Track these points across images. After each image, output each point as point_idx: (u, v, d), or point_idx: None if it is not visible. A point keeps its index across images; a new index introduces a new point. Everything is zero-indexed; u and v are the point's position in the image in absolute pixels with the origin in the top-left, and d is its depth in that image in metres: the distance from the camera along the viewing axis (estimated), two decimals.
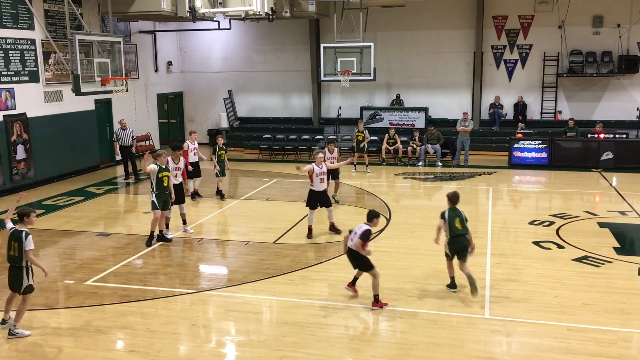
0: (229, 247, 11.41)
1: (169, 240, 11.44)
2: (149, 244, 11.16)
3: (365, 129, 18.67)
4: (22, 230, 7.41)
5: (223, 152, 15.03)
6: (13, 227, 7.49)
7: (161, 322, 7.89)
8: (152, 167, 10.95)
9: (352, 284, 8.67)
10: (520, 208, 14.48)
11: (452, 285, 8.87)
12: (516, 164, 19.13)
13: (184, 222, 12.07)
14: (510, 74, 22.09)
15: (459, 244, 8.62)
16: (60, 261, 10.55)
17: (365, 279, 8.51)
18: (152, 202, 11.06)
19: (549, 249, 10.77)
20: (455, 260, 8.73)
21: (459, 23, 22.00)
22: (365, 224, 8.24)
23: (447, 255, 8.88)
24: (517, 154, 19.23)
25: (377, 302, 8.23)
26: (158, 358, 6.99)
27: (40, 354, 7.10)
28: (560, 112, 21.65)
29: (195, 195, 14.81)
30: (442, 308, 8.20)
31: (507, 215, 13.33)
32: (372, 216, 8.34)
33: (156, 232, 11.28)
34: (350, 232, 8.36)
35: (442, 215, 8.86)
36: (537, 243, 11.06)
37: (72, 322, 7.98)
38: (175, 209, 11.84)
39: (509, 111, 22.01)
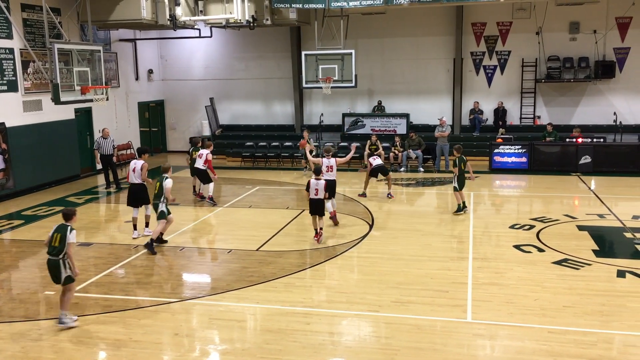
0: (211, 255, 11.37)
1: (165, 241, 11.75)
2: (153, 250, 11.20)
3: (310, 139, 18.70)
4: (68, 226, 7.97)
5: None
6: (60, 224, 8.01)
7: (144, 332, 7.84)
8: (170, 182, 11.30)
9: (317, 234, 11.57)
10: (501, 212, 14.62)
11: (461, 208, 13.54)
12: (497, 169, 19.34)
13: (147, 224, 12.35)
14: (489, 79, 22.35)
15: (463, 180, 13.58)
16: (41, 272, 10.40)
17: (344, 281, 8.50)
18: (162, 211, 11.22)
19: (529, 252, 10.89)
20: None
21: (438, 30, 22.22)
22: (316, 179, 11.43)
23: (455, 188, 13.56)
24: (497, 158, 19.45)
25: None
26: None
27: None
28: (539, 117, 21.94)
29: (211, 199, 15.22)
30: (425, 313, 8.25)
31: (489, 220, 13.45)
32: (319, 172, 11.73)
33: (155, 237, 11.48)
34: (307, 190, 11.44)
35: (455, 163, 13.49)
36: (518, 247, 11.18)
37: (53, 333, 7.88)
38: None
39: (489, 116, 22.24)
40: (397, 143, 20.22)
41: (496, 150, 19.45)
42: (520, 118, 22.18)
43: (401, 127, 22.18)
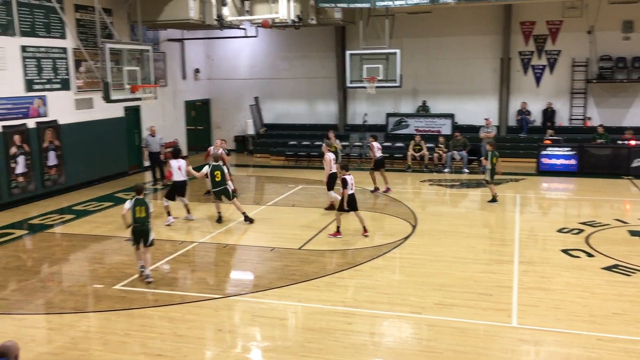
0: (254, 252, 11.47)
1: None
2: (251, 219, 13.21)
3: (337, 140, 17.38)
4: (144, 198, 9.61)
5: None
6: (134, 198, 9.56)
7: (188, 326, 7.98)
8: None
9: (365, 230, 11.99)
10: (548, 215, 14.28)
11: (496, 199, 14.72)
12: (544, 171, 18.89)
13: (189, 211, 13.64)
14: (538, 79, 21.84)
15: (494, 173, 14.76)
16: (90, 265, 10.74)
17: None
18: (233, 191, 13.35)
19: (578, 257, 10.60)
20: None
21: (485, 29, 21.85)
22: (348, 174, 11.82)
23: (486, 181, 15.01)
24: (545, 160, 19.00)
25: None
26: None
27: (71, 357, 7.22)
28: (589, 118, 21.31)
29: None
30: (468, 316, 8.13)
31: (535, 223, 13.16)
32: (347, 168, 12.17)
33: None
34: (345, 187, 11.68)
35: (487, 156, 14.81)
36: (565, 251, 10.90)
37: (101, 325, 8.12)
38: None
39: (537, 117, 21.75)
40: (441, 144, 19.99)
41: (544, 152, 19.01)
42: (570, 119, 21.61)
43: (446, 128, 21.93)
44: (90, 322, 8.25)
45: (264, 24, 18.12)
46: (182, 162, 13.33)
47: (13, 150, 15.10)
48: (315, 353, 7.17)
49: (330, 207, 13.90)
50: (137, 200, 9.54)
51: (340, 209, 11.98)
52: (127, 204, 9.56)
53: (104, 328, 8.00)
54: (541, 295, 8.82)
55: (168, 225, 13.10)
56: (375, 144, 16.11)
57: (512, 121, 22.09)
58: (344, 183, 11.79)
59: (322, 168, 14.07)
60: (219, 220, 13.25)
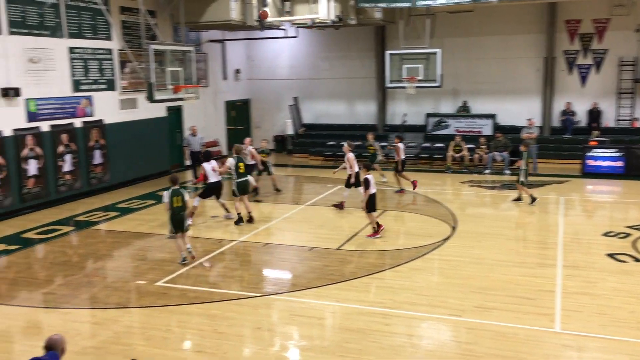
0: (293, 252, 11.51)
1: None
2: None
3: (375, 142, 17.46)
4: (180, 188, 10.53)
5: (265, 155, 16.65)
6: (170, 189, 10.42)
7: (227, 324, 8.07)
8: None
9: (381, 227, 11.91)
10: (593, 219, 13.93)
11: (535, 199, 14.48)
12: (589, 173, 18.42)
13: (227, 209, 13.72)
14: (583, 79, 21.31)
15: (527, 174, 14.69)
16: (133, 262, 10.98)
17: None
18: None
19: (624, 261, 10.30)
20: None
21: (529, 28, 21.44)
22: (369, 174, 11.81)
23: (522, 182, 14.52)
24: (590, 162, 18.52)
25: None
26: (224, 359, 7.15)
27: (115, 351, 7.39)
28: (637, 119, 20.69)
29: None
30: (509, 320, 8.00)
31: (580, 226, 12.85)
32: (370, 167, 12.46)
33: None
34: (367, 187, 11.61)
35: (521, 156, 14.65)
36: (611, 255, 10.61)
37: (143, 321, 8.29)
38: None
39: (582, 118, 21.23)
40: (482, 144, 19.70)
41: (589, 154, 18.53)
42: (617, 120, 21.01)
43: (487, 128, 21.61)
44: (133, 318, 8.44)
45: (263, 15, 17.86)
46: (214, 164, 13.49)
47: (60, 149, 15.55)
48: (353, 353, 7.17)
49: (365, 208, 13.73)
50: (174, 190, 10.38)
51: (368, 209, 11.92)
52: (166, 197, 10.37)
53: (146, 323, 8.17)
54: (586, 301, 8.61)
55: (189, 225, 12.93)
56: (401, 145, 15.98)
57: (556, 122, 21.62)
58: (367, 183, 11.73)
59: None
60: (250, 220, 13.22)
